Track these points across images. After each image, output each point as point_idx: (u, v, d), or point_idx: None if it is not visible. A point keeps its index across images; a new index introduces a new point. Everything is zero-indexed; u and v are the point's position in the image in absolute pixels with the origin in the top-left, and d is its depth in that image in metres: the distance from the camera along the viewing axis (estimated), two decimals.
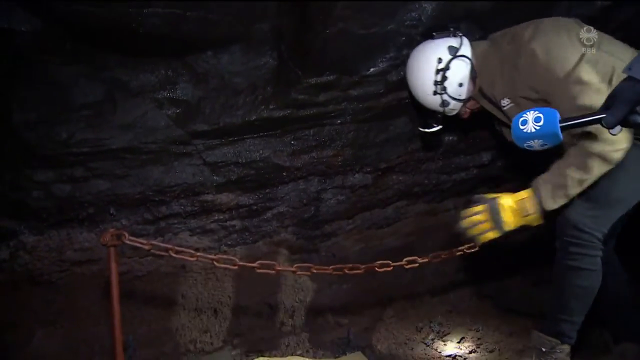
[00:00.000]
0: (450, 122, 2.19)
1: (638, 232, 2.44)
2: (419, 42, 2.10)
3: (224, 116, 2.25)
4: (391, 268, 1.95)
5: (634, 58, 1.27)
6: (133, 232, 2.38)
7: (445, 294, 3.14)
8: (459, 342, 2.74)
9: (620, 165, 1.73)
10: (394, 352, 2.67)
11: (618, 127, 1.26)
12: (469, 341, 2.74)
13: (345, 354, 2.56)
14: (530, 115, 1.34)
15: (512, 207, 1.81)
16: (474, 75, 1.99)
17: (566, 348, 1.93)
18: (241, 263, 1.70)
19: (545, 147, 1.37)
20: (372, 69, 2.15)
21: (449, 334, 2.84)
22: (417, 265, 2.00)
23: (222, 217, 2.58)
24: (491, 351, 2.61)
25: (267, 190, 2.54)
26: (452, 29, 1.99)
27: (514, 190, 3.17)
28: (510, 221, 1.81)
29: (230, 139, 2.33)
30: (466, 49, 1.97)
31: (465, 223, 1.87)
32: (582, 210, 1.85)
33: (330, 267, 1.87)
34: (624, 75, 1.27)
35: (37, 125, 2.02)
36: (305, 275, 2.72)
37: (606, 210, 1.87)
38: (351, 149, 2.46)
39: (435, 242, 3.17)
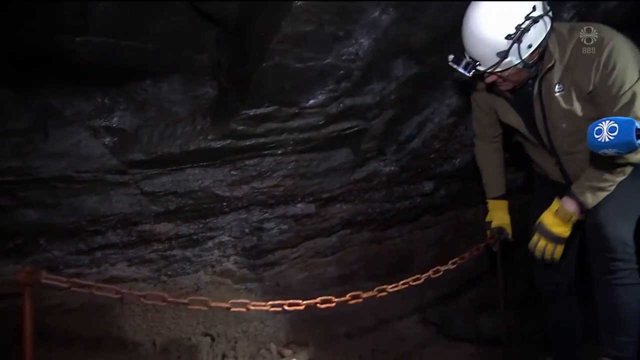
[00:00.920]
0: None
1: None
2: (357, 76, 2.15)
3: (162, 145, 2.22)
4: (334, 305, 1.92)
5: None
6: (66, 263, 2.33)
7: (390, 321, 3.15)
8: None
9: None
10: None
11: None
12: None
13: None
14: (605, 125, 1.41)
15: (556, 221, 1.99)
16: (543, 46, 1.83)
17: None
18: (170, 299, 1.65)
19: (620, 154, 1.44)
20: (311, 101, 2.17)
21: None
22: (361, 300, 1.99)
23: (161, 247, 2.52)
24: None
25: (208, 220, 2.50)
26: None
27: (460, 216, 3.27)
28: (562, 231, 2.00)
29: (169, 168, 2.29)
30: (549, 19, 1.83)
31: (537, 254, 2.06)
32: (624, 224, 1.93)
33: (268, 303, 1.83)
34: None
35: None
36: None
37: (635, 214, 2.00)
38: (292, 179, 2.46)
39: (380, 269, 3.21)
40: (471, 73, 1.82)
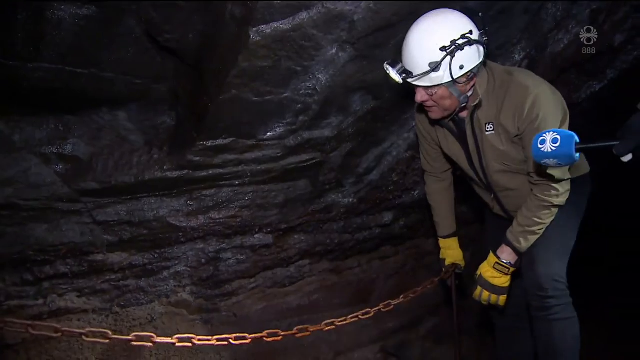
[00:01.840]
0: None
1: None
2: (315, 110, 2.18)
3: (117, 174, 2.18)
4: (280, 338, 1.89)
5: None
6: (8, 295, 2.24)
7: (347, 352, 3.13)
8: None
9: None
10: None
11: (629, 156, 1.35)
12: None
13: None
14: (549, 136, 1.44)
15: (495, 274, 2.09)
16: (472, 74, 1.86)
17: None
18: (114, 336, 1.60)
19: (560, 166, 1.48)
20: (269, 133, 2.18)
21: None
22: (308, 333, 1.97)
23: (114, 277, 2.46)
24: None
25: (163, 250, 2.46)
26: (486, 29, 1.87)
27: (420, 245, 3.29)
28: (502, 282, 2.10)
29: (124, 197, 2.25)
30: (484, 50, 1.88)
31: (483, 303, 2.16)
32: (554, 261, 2.01)
33: (214, 337, 1.79)
34: None
35: None
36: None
37: (570, 244, 2.09)
38: (250, 210, 2.45)
39: (340, 299, 3.20)
40: (402, 77, 1.84)
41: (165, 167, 2.18)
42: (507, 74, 1.93)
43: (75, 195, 2.16)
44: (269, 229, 2.59)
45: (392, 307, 2.14)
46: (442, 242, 2.47)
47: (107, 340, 1.61)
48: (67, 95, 2.01)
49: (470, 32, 1.79)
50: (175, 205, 2.33)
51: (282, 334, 1.89)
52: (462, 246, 2.48)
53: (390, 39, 2.02)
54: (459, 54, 1.77)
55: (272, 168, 2.34)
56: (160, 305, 2.65)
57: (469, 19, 1.81)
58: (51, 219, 2.18)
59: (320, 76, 2.05)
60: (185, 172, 2.21)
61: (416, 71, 1.82)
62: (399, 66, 1.84)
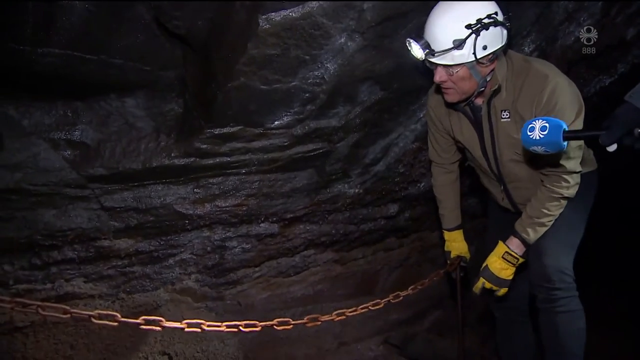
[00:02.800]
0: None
1: None
2: (323, 99, 2.17)
3: (124, 161, 2.19)
4: (291, 327, 1.89)
5: (638, 84, 1.37)
6: (17, 279, 2.26)
7: (351, 343, 3.14)
8: None
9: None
10: None
11: (614, 146, 1.37)
12: None
13: None
14: (538, 124, 1.46)
15: (503, 265, 2.08)
16: (494, 57, 1.85)
17: None
18: (122, 319, 1.61)
19: (548, 153, 1.50)
20: (276, 122, 2.18)
21: None
22: (319, 323, 1.97)
23: (120, 263, 2.47)
24: None
25: (169, 237, 2.47)
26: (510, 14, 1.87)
27: (424, 238, 3.29)
28: (508, 274, 2.09)
29: (131, 184, 2.26)
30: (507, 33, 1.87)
31: (479, 293, 2.17)
32: (562, 253, 2.01)
33: (224, 323, 1.80)
34: None
35: None
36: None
37: (578, 238, 2.09)
38: (256, 198, 2.46)
39: (344, 290, 3.21)
40: (425, 53, 1.81)
41: (172, 155, 2.19)
42: (525, 62, 1.92)
43: (83, 181, 2.17)
44: (274, 218, 2.60)
45: (400, 298, 2.15)
46: (447, 235, 2.47)
47: (116, 324, 1.62)
48: (76, 81, 2.01)
49: (496, 14, 1.79)
50: (181, 193, 2.34)
51: (293, 322, 1.89)
52: (468, 239, 2.48)
53: (399, 28, 2.01)
54: (484, 33, 1.76)
55: (279, 157, 2.34)
56: (166, 292, 2.67)
57: (494, 2, 1.81)
58: (59, 204, 2.19)
59: (328, 65, 2.05)
60: (192, 159, 2.21)
61: (439, 47, 1.80)
62: (423, 41, 1.82)
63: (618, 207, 4.61)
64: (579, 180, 1.97)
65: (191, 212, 2.38)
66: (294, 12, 1.78)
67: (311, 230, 2.77)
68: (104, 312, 1.64)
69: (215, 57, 1.96)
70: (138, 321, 1.68)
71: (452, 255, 2.42)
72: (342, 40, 1.96)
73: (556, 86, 1.83)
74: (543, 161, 1.94)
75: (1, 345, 2.18)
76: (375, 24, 1.93)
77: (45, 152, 2.09)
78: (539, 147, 1.48)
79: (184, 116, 2.19)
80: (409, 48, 1.86)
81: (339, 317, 2.00)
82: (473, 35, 1.76)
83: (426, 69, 1.94)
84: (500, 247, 2.10)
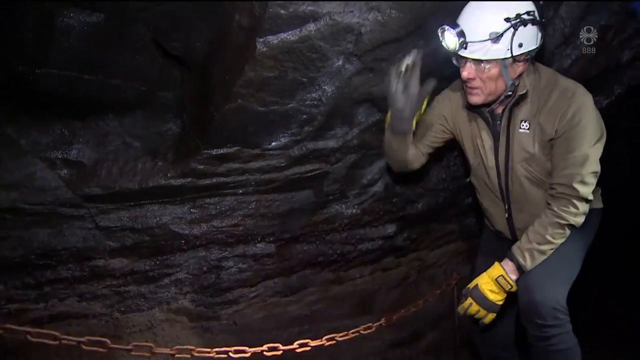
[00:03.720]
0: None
1: None
2: (320, 121, 2.17)
3: (121, 181, 2.18)
4: (280, 352, 1.88)
5: None
6: (9, 298, 2.24)
7: None
8: None
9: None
10: None
11: None
12: None
13: None
14: None
15: (494, 288, 1.96)
16: (527, 58, 1.80)
17: None
18: (113, 346, 1.60)
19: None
20: (273, 143, 2.18)
21: None
22: (309, 348, 1.95)
23: (115, 283, 2.45)
24: None
25: (165, 257, 2.46)
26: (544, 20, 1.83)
27: (423, 258, 3.27)
28: (498, 298, 1.97)
29: (127, 203, 2.26)
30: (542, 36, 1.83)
31: (465, 315, 2.03)
32: (555, 289, 1.88)
33: (214, 349, 1.79)
34: None
35: None
36: None
37: (573, 275, 1.98)
38: (253, 219, 2.44)
39: (342, 310, 3.18)
40: (459, 42, 1.74)
41: (169, 175, 2.19)
42: (554, 75, 1.90)
43: (79, 201, 2.17)
44: (271, 238, 2.59)
45: (393, 321, 2.12)
46: None
47: (106, 350, 1.61)
48: (74, 101, 2.02)
49: (534, 12, 1.75)
50: (178, 213, 2.33)
51: (283, 348, 1.88)
52: (465, 260, 2.47)
53: (397, 51, 2.02)
54: (522, 29, 1.70)
55: (276, 178, 2.33)
56: (161, 311, 2.64)
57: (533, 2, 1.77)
58: (54, 223, 2.18)
59: (326, 87, 2.05)
60: (189, 179, 2.21)
61: (474, 38, 1.73)
62: (459, 29, 1.74)
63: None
64: (587, 210, 1.89)
65: (187, 232, 2.37)
66: (291, 36, 1.79)
67: (308, 250, 2.75)
68: (94, 338, 1.63)
69: (212, 78, 1.97)
70: (128, 347, 1.67)
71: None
72: (340, 63, 1.96)
73: (583, 104, 1.80)
74: (557, 179, 1.88)
75: None
76: (372, 47, 1.94)
77: (41, 171, 2.09)
78: None
79: (181, 136, 2.20)
80: (441, 37, 1.79)
81: (329, 342, 1.99)
82: (511, 30, 1.69)
83: (451, 64, 1.86)
84: (496, 269, 1.97)
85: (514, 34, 1.71)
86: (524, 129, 1.92)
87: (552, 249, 1.92)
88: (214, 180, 2.24)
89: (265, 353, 1.83)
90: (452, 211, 3.23)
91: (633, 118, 3.30)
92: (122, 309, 2.54)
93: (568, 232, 1.91)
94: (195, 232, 2.38)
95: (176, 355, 1.71)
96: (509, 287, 1.95)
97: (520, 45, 1.74)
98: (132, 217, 2.29)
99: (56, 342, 1.52)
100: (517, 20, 1.71)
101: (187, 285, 2.61)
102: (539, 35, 1.79)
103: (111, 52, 1.94)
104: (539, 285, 1.87)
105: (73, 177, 2.15)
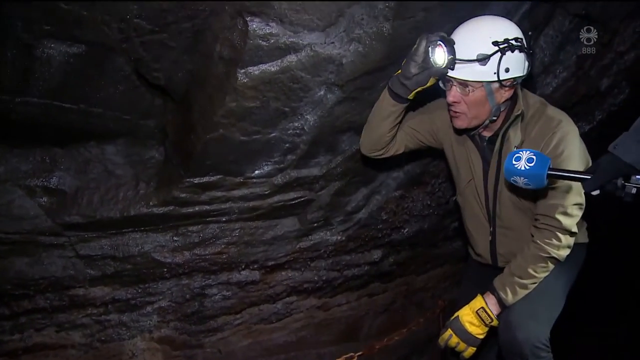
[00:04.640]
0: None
1: None
2: (303, 149, 2.17)
3: (102, 209, 2.16)
4: None
5: (621, 136, 1.37)
6: None
7: None
8: None
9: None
10: None
11: (597, 191, 1.40)
12: None
13: None
14: (525, 155, 1.46)
15: (475, 320, 1.95)
16: (513, 84, 1.81)
17: None
18: None
19: (529, 187, 1.46)
20: (256, 171, 2.17)
21: None
22: None
23: (95, 312, 2.42)
24: None
25: (147, 285, 2.42)
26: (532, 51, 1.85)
27: (409, 282, 3.25)
28: (478, 332, 1.96)
29: (108, 231, 2.23)
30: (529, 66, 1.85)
31: (447, 348, 2.00)
32: (536, 325, 1.85)
33: None
34: None
35: None
36: None
37: (556, 311, 1.96)
38: (237, 246, 2.42)
39: (328, 336, 3.15)
40: (449, 58, 1.74)
41: (151, 203, 2.17)
42: (542, 104, 1.91)
43: (59, 229, 2.14)
44: (255, 266, 2.56)
45: (376, 350, 2.10)
46: None
47: None
48: (55, 129, 2.00)
49: (525, 37, 1.78)
50: (160, 241, 2.30)
51: None
52: (453, 284, 2.45)
53: (379, 81, 2.03)
54: (509, 54, 1.73)
55: (260, 205, 2.32)
56: (143, 340, 2.60)
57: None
58: (32, 252, 2.15)
59: (308, 117, 2.05)
60: (171, 208, 2.19)
61: (462, 56, 1.75)
62: (449, 47, 1.75)
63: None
64: (571, 243, 1.88)
65: (170, 260, 2.34)
66: (272, 67, 1.79)
67: (293, 277, 2.73)
68: None
69: (194, 107, 1.96)
70: None
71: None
72: (322, 92, 1.97)
73: (567, 134, 1.81)
74: (541, 210, 1.87)
75: None
76: (354, 77, 1.95)
77: (20, 199, 2.06)
78: (521, 178, 1.45)
79: (163, 164, 2.18)
80: (430, 53, 1.78)
81: None
82: (498, 54, 1.72)
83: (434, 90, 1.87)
84: (477, 301, 1.96)
85: (501, 58, 1.73)
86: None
87: (535, 282, 1.90)
88: (197, 209, 2.22)
89: None
90: (439, 236, 3.23)
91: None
92: (103, 338, 2.49)
93: (551, 266, 1.90)
94: (178, 260, 2.35)
95: None
96: (490, 320, 1.93)
97: (507, 70, 1.76)
98: (113, 246, 2.26)
99: None
100: (505, 44, 1.73)
101: (170, 313, 2.57)
102: (526, 63, 1.81)
103: (93, 81, 1.92)
104: (521, 324, 1.85)
105: (53, 206, 2.12)
